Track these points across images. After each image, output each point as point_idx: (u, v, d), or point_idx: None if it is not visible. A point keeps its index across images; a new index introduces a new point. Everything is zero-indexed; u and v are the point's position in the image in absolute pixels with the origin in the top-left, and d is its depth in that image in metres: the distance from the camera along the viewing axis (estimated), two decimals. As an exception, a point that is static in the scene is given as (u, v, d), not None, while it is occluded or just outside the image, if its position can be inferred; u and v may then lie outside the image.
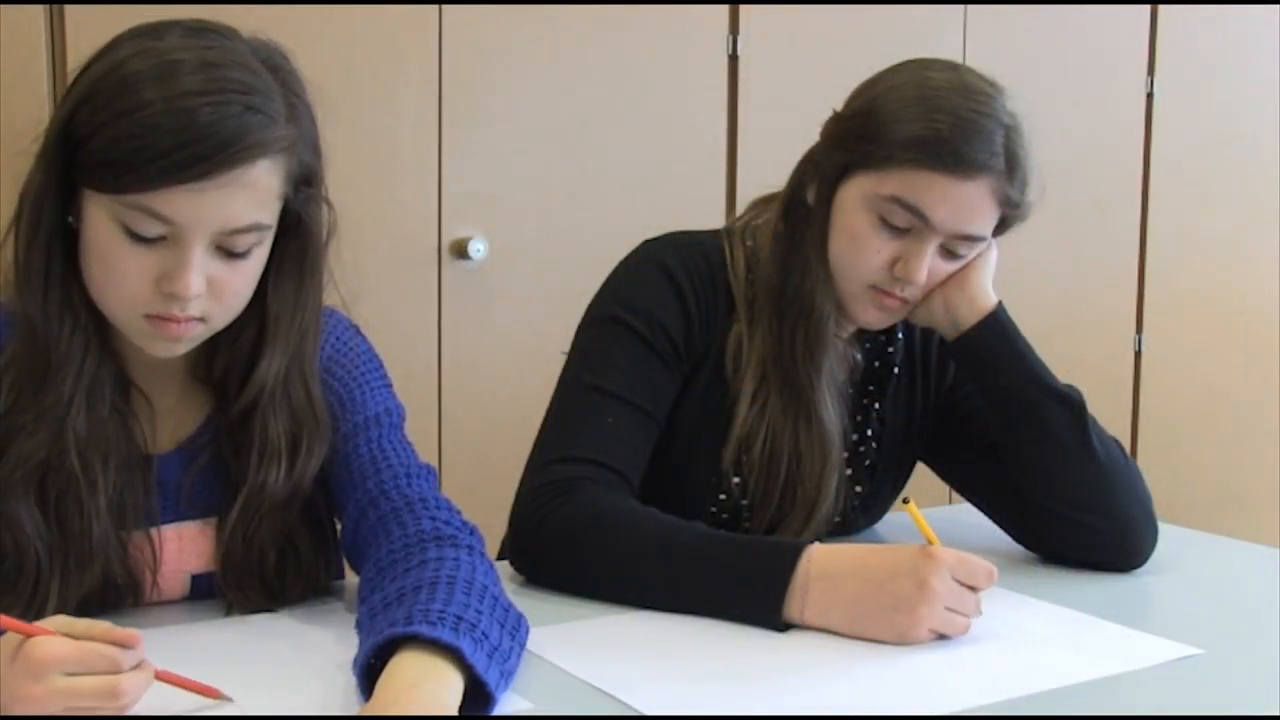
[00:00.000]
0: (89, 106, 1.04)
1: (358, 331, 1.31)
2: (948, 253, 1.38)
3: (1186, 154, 3.37)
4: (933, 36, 2.91)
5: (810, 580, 1.18)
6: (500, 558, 1.39)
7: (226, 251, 1.08)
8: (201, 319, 1.10)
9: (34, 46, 2.08)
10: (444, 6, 2.40)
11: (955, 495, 1.59)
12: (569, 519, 1.29)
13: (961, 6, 2.98)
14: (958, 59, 1.78)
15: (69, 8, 2.08)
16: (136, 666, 0.93)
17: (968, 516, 1.55)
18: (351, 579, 1.29)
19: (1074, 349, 2.68)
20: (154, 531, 1.18)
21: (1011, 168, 1.33)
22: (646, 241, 1.49)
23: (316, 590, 1.25)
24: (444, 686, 0.93)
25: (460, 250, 2.44)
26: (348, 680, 1.00)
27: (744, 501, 1.45)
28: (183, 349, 1.13)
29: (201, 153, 1.01)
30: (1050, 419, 1.40)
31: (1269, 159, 3.49)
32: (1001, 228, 1.40)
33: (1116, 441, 1.44)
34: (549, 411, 1.41)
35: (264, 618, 1.20)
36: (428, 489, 1.21)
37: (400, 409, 1.29)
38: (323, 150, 1.15)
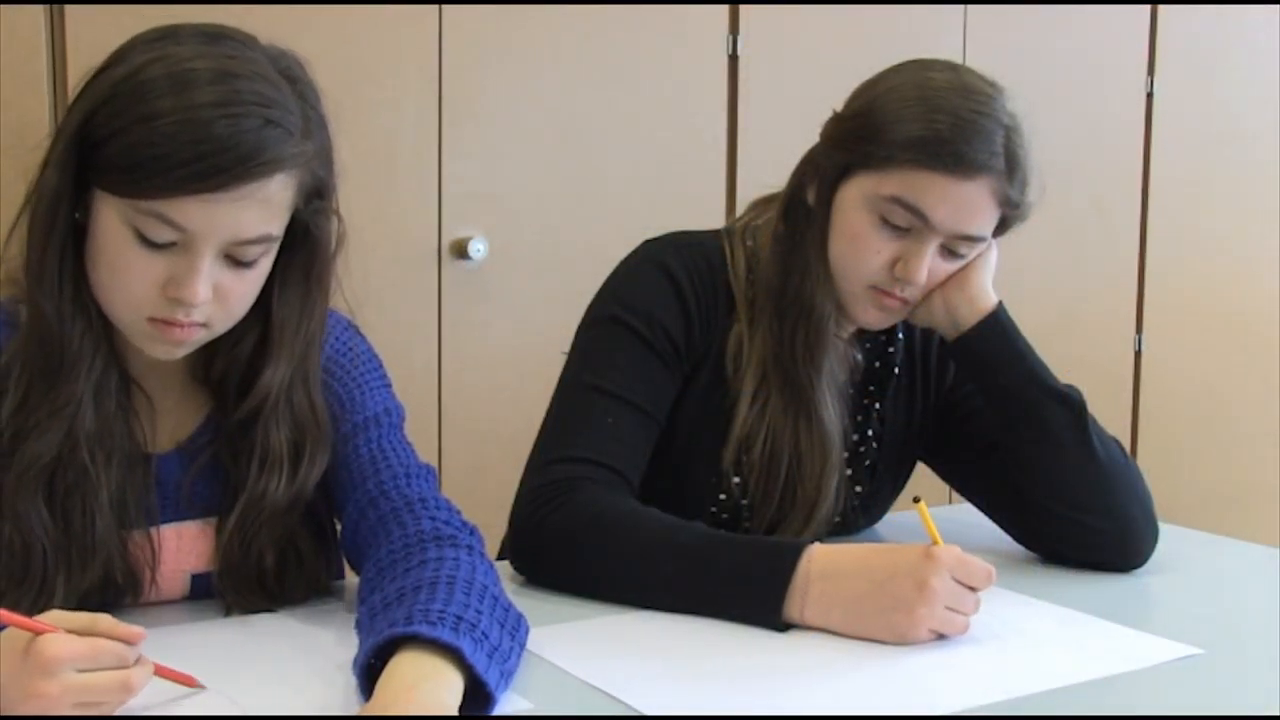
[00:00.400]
0: (107, 109, 1.04)
1: (357, 331, 1.31)
2: (948, 253, 1.38)
3: (1186, 154, 3.37)
4: (933, 36, 2.91)
5: (810, 580, 1.18)
6: (500, 558, 1.39)
7: (234, 260, 1.08)
8: (204, 324, 1.10)
9: (34, 46, 2.07)
10: (444, 6, 2.40)
11: (955, 495, 1.59)
12: (569, 519, 1.29)
13: (961, 6, 2.98)
14: (958, 59, 1.79)
15: (69, 8, 2.08)
16: (136, 660, 0.95)
17: (968, 516, 1.55)
18: (351, 579, 1.29)
19: (1074, 349, 2.68)
20: (154, 530, 1.19)
21: (1012, 168, 1.33)
22: (647, 241, 1.49)
23: (317, 591, 1.25)
24: (444, 686, 0.93)
25: (460, 250, 2.44)
26: (348, 680, 1.00)
27: (744, 501, 1.45)
28: (183, 352, 1.14)
29: (220, 164, 1.02)
30: (1050, 419, 1.40)
31: (1269, 159, 3.49)
32: (1002, 228, 1.40)
33: (1117, 441, 1.44)
34: (549, 411, 1.41)
35: (264, 618, 1.20)
36: (427, 489, 1.22)
37: (400, 409, 1.29)
38: (335, 162, 1.15)
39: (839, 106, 1.42)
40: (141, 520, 1.18)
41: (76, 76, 1.11)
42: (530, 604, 1.17)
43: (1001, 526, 1.51)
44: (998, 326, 1.42)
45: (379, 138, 2.36)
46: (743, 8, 2.69)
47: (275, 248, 1.12)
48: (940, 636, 1.16)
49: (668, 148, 2.65)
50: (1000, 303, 1.43)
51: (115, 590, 1.18)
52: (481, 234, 2.46)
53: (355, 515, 1.21)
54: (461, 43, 2.43)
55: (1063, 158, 2.70)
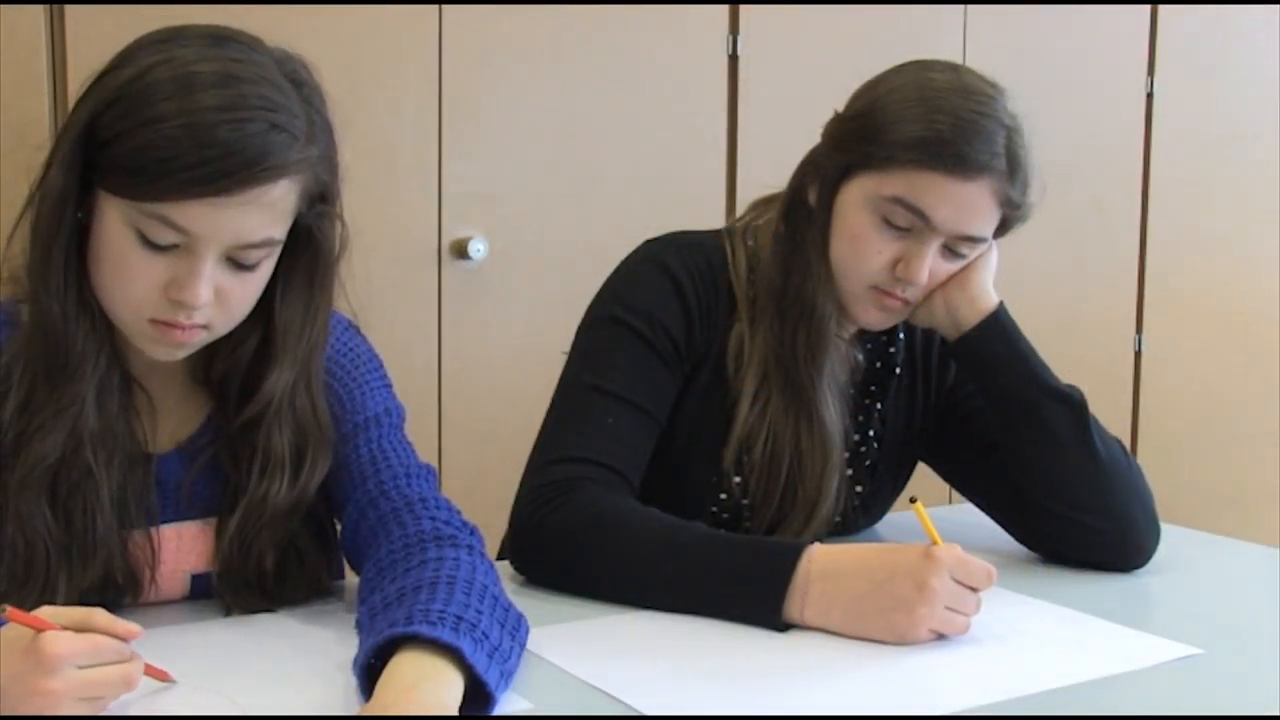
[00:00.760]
0: (112, 111, 1.04)
1: (357, 331, 1.31)
2: (949, 253, 1.38)
3: (1186, 154, 3.37)
4: (933, 36, 2.91)
5: (810, 580, 1.18)
6: (500, 558, 1.39)
7: (236, 263, 1.08)
8: (205, 326, 1.10)
9: (34, 46, 2.07)
10: (444, 6, 2.40)
11: (955, 495, 1.59)
12: (569, 519, 1.29)
13: (961, 6, 2.98)
14: (958, 59, 1.79)
15: (69, 8, 2.08)
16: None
17: (968, 516, 1.55)
18: (351, 579, 1.29)
19: (1074, 349, 2.68)
20: (154, 530, 1.19)
21: (1012, 168, 1.33)
22: (647, 241, 1.49)
23: (318, 591, 1.25)
24: (444, 686, 0.93)
25: (460, 250, 2.44)
26: (348, 680, 1.00)
27: (744, 501, 1.45)
28: (183, 354, 1.14)
29: (224, 169, 1.02)
30: (1051, 419, 1.40)
31: (1269, 159, 3.49)
32: (1002, 228, 1.40)
33: (1118, 441, 1.44)
34: (549, 411, 1.41)
35: (264, 618, 1.20)
36: (428, 489, 1.22)
37: (400, 409, 1.29)
38: (340, 167, 1.15)
39: (840, 107, 1.42)
40: (142, 520, 1.18)
41: (76, 77, 1.11)
42: (530, 604, 1.17)
43: (1002, 526, 1.51)
44: (999, 327, 1.42)
45: (379, 138, 2.36)
46: (743, 8, 2.69)
47: (277, 251, 1.12)
48: (940, 636, 1.16)
49: (668, 148, 2.65)
50: (1001, 303, 1.43)
51: (115, 590, 1.18)
52: (481, 234, 2.46)
53: (355, 515, 1.21)
54: (461, 43, 2.43)
55: (1063, 158, 2.70)
